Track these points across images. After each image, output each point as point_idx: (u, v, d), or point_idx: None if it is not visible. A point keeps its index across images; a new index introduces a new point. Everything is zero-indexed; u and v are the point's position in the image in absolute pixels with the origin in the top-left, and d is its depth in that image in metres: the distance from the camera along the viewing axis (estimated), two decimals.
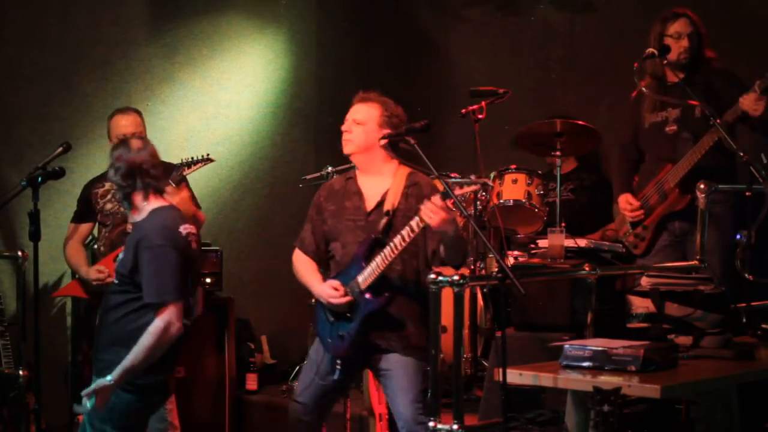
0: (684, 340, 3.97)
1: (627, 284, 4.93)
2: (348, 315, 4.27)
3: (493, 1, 7.04)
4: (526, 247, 5.59)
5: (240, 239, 7.02)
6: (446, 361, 4.82)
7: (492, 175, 5.84)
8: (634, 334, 4.05)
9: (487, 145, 5.41)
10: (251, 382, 6.42)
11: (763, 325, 4.35)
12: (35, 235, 4.97)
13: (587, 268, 4.41)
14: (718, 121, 4.75)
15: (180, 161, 5.12)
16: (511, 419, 4.34)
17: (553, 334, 4.73)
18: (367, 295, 4.22)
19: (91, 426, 4.02)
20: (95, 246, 5.53)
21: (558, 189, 5.66)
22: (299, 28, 7.40)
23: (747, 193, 4.63)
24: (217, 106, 6.93)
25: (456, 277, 3.78)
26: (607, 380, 3.32)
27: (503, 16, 7.00)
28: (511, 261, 5.43)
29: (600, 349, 3.52)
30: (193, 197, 5.43)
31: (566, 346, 3.60)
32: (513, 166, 5.84)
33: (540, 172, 5.90)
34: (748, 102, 4.79)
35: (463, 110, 5.58)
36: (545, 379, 3.51)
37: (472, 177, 5.46)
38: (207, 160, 5.15)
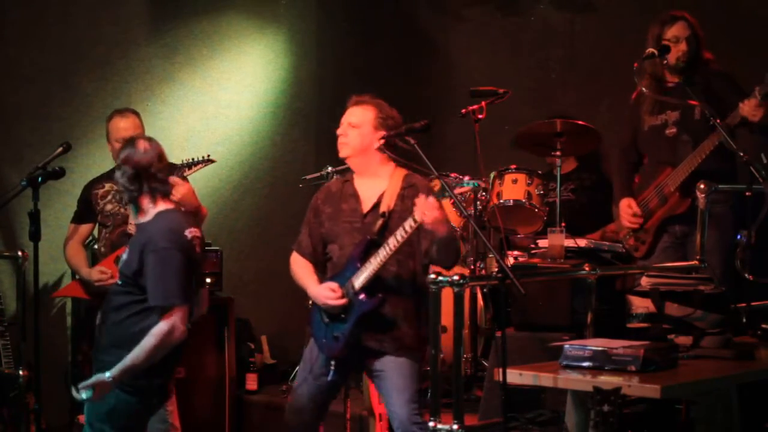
0: (684, 340, 3.97)
1: (627, 284, 4.93)
2: (342, 316, 4.28)
3: (493, 1, 7.04)
4: (526, 248, 5.59)
5: (240, 239, 7.02)
6: (446, 361, 4.83)
7: (492, 175, 5.84)
8: (634, 334, 4.05)
9: (487, 145, 5.41)
10: (251, 382, 6.42)
11: (763, 325, 4.35)
12: (35, 235, 4.97)
13: (587, 268, 4.41)
14: (718, 121, 4.75)
15: (180, 162, 5.12)
16: (511, 419, 4.35)
17: (553, 334, 4.74)
18: (362, 296, 4.23)
19: (91, 426, 4.03)
20: (95, 246, 5.53)
21: (558, 189, 5.66)
22: (299, 28, 7.40)
23: (747, 193, 4.63)
24: (217, 106, 6.93)
25: (456, 277, 3.79)
26: (607, 380, 3.32)
27: (503, 16, 7.00)
28: (511, 261, 5.43)
29: (600, 349, 3.52)
30: None
31: (566, 346, 3.60)
32: (513, 166, 5.84)
33: (540, 172, 5.90)
34: (748, 108, 4.78)
35: (463, 110, 5.57)
36: (545, 379, 3.51)
37: (466, 178, 5.45)
38: (207, 161, 5.15)
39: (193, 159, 5.13)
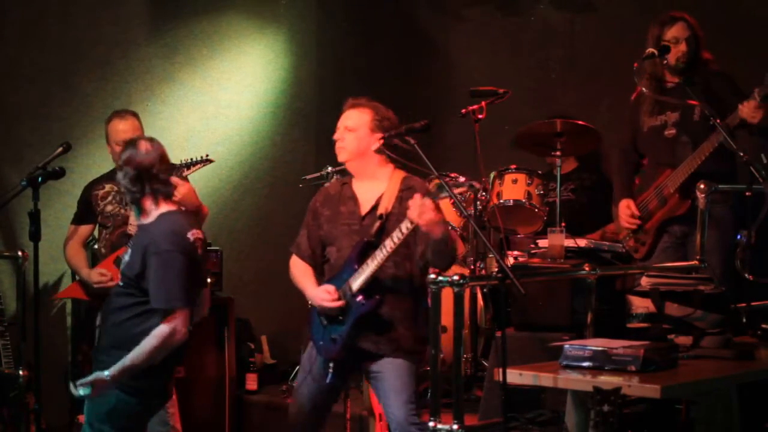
0: (684, 340, 3.97)
1: (627, 284, 4.93)
2: (340, 318, 4.27)
3: (493, 1, 7.05)
4: (526, 249, 5.59)
5: (240, 239, 7.02)
6: (446, 361, 4.83)
7: (492, 175, 5.84)
8: (634, 334, 4.05)
9: (487, 145, 5.41)
10: (251, 382, 6.42)
11: (763, 325, 4.34)
12: (35, 235, 4.97)
13: (587, 268, 4.41)
14: (718, 121, 4.74)
15: (180, 162, 5.12)
16: (511, 419, 4.34)
17: (553, 334, 4.73)
18: (359, 298, 4.23)
19: (90, 426, 4.02)
20: (95, 247, 5.53)
21: (558, 189, 5.66)
22: (299, 28, 7.40)
23: (747, 193, 4.63)
24: (217, 106, 6.93)
25: (456, 277, 3.79)
26: (607, 380, 3.32)
27: (503, 16, 7.00)
28: (511, 261, 5.43)
29: (600, 349, 3.52)
30: None
31: (566, 346, 3.60)
32: (513, 166, 5.84)
33: (540, 172, 5.90)
34: (748, 110, 4.77)
35: (463, 110, 5.58)
36: (545, 379, 3.51)
37: (462, 179, 5.45)
38: (206, 161, 5.15)
39: (191, 159, 5.13)
